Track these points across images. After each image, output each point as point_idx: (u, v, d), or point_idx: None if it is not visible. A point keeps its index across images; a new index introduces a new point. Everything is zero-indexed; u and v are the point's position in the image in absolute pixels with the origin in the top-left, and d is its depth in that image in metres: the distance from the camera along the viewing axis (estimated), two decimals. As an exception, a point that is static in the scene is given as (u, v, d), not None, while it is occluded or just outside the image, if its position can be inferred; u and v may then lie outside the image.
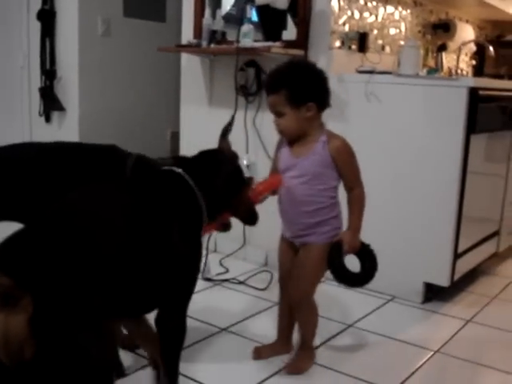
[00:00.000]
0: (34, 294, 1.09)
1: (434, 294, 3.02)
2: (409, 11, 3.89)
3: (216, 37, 3.27)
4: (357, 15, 3.31)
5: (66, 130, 4.29)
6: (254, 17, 3.29)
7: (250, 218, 2.10)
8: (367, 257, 2.24)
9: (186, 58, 3.62)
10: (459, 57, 4.44)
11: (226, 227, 2.09)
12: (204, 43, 3.28)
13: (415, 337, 2.60)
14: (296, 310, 2.28)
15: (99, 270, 1.31)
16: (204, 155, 1.96)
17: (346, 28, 3.24)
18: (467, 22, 4.72)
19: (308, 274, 2.22)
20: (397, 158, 2.96)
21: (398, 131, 2.94)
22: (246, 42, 3.05)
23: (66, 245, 1.26)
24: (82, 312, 1.15)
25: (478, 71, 4.95)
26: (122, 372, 2.01)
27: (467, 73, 4.86)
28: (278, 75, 2.13)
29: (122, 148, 2.31)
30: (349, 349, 2.46)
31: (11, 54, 4.58)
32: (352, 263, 2.20)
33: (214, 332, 2.55)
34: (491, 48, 4.10)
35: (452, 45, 4.33)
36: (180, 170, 1.84)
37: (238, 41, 3.07)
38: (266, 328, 2.61)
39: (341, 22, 3.19)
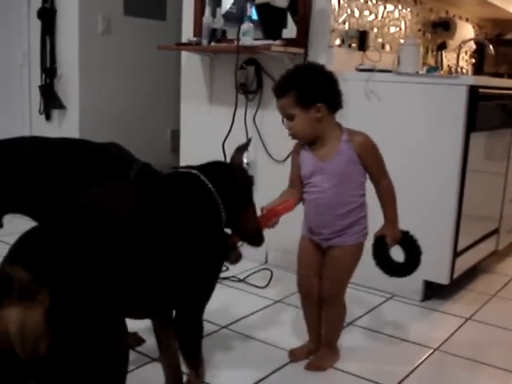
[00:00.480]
0: (51, 288, 1.09)
1: (433, 291, 3.03)
2: (409, 9, 3.89)
3: (216, 35, 3.27)
4: (357, 13, 3.32)
5: (67, 127, 4.30)
6: (254, 15, 3.30)
7: (255, 239, 2.10)
8: (410, 244, 2.27)
9: (186, 57, 3.62)
10: (459, 55, 4.44)
11: (233, 251, 2.05)
12: (204, 41, 3.28)
13: (415, 335, 2.61)
14: (326, 308, 2.28)
15: (117, 268, 1.32)
16: (216, 165, 1.95)
17: (346, 26, 3.24)
18: (467, 20, 4.72)
19: (342, 275, 2.23)
20: (396, 156, 2.96)
21: (398, 129, 2.94)
22: (246, 40, 3.05)
23: (83, 241, 1.27)
24: (97, 308, 1.16)
25: (477, 69, 4.96)
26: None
27: (467, 71, 4.87)
28: (285, 79, 2.13)
29: (123, 147, 2.32)
30: (348, 347, 2.47)
31: (11, 52, 4.58)
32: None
33: (214, 330, 2.55)
34: (491, 46, 4.10)
35: (452, 43, 4.33)
36: (197, 172, 1.84)
37: (238, 39, 3.07)
38: (266, 326, 2.62)
39: (341, 20, 3.19)
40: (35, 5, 4.33)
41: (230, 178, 1.93)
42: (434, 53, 4.34)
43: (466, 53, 4.81)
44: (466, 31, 4.48)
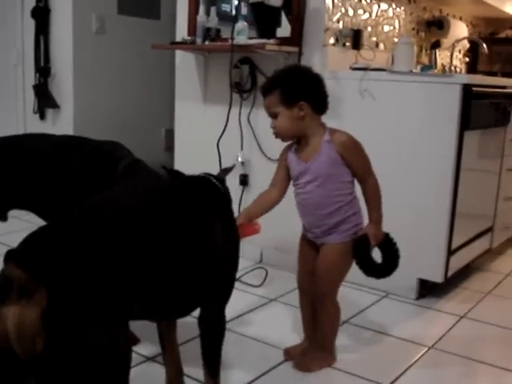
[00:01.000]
0: (49, 287, 1.10)
1: (427, 290, 3.04)
2: (403, 8, 3.90)
3: (210, 34, 3.27)
4: (351, 12, 3.32)
5: (61, 127, 4.29)
6: (248, 14, 3.29)
7: None
8: (389, 246, 2.27)
9: (180, 56, 3.62)
10: (453, 54, 4.45)
11: None
12: (198, 40, 3.28)
13: (409, 333, 2.62)
14: (319, 308, 2.29)
15: (129, 269, 1.32)
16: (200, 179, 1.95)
17: (340, 25, 3.24)
18: (461, 19, 4.73)
19: (331, 272, 2.24)
20: (390, 154, 2.97)
21: (392, 128, 2.95)
22: (241, 39, 3.06)
23: (87, 241, 1.27)
24: (95, 308, 1.15)
25: (471, 68, 4.97)
26: None
27: (461, 70, 4.88)
28: (271, 78, 2.18)
29: (122, 145, 2.35)
30: (343, 345, 2.47)
31: (5, 52, 4.57)
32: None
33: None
34: (484, 45, 4.11)
35: (446, 42, 4.34)
36: (205, 174, 1.88)
37: (232, 38, 3.07)
38: (262, 324, 2.62)
39: (335, 19, 3.19)
40: (29, 4, 4.33)
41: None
42: (428, 51, 4.35)
43: (460, 51, 4.82)
44: (460, 30, 4.49)
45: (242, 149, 3.37)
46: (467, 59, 4.98)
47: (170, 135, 4.45)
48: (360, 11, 3.41)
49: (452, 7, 4.55)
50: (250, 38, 3.11)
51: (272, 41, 3.04)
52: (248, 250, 3.54)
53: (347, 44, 3.28)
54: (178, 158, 3.74)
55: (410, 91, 2.88)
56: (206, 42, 3.27)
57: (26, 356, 1.11)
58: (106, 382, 1.19)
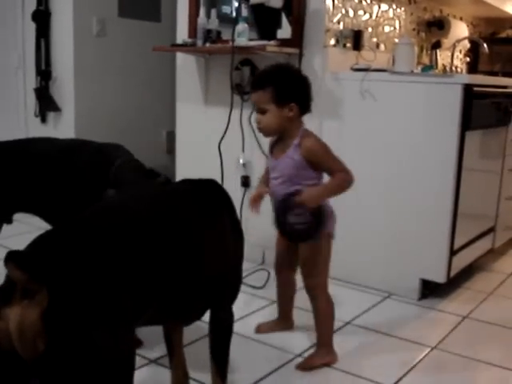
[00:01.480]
0: (50, 288, 1.10)
1: (430, 290, 3.04)
2: (403, 9, 3.90)
3: (211, 36, 3.27)
4: (351, 13, 3.32)
5: (62, 130, 4.29)
6: (249, 16, 3.29)
7: None
8: (316, 217, 2.20)
9: (181, 58, 3.62)
10: (453, 54, 4.45)
11: None
12: (199, 42, 3.28)
13: (412, 333, 2.61)
14: (314, 305, 2.35)
15: (133, 273, 1.32)
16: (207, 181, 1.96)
17: (341, 26, 3.24)
18: (461, 19, 4.73)
19: (316, 263, 2.31)
20: (392, 155, 2.97)
21: (393, 128, 2.95)
22: (241, 40, 3.06)
23: (92, 244, 1.28)
24: (97, 309, 1.15)
25: (472, 68, 4.97)
26: None
27: (461, 70, 4.88)
28: (265, 73, 2.22)
29: (123, 147, 2.37)
30: (346, 346, 2.47)
31: (6, 55, 4.58)
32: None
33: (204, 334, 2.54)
34: (485, 45, 4.11)
35: (446, 42, 4.34)
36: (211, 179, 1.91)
37: (233, 40, 3.07)
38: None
39: (335, 20, 3.19)
40: (30, 7, 4.33)
41: None
42: (429, 52, 4.35)
43: (461, 51, 4.82)
44: (460, 30, 4.48)
45: (243, 150, 3.37)
46: (468, 59, 4.98)
47: (171, 137, 4.45)
48: (360, 12, 3.41)
49: (452, 7, 4.55)
50: (251, 40, 3.11)
51: (272, 42, 3.04)
52: (250, 251, 3.53)
53: (348, 45, 3.28)
54: (179, 160, 3.74)
55: (411, 92, 2.88)
56: (207, 44, 3.27)
57: (28, 356, 1.11)
58: (109, 382, 1.19)
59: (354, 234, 3.13)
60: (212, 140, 3.41)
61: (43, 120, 4.47)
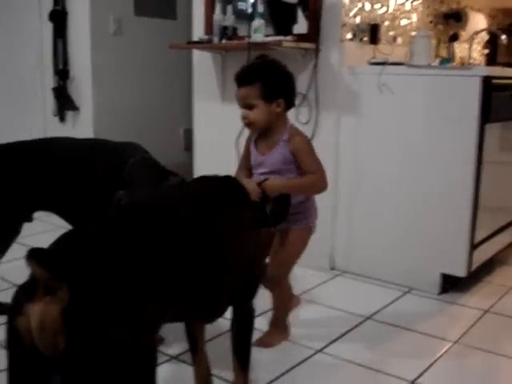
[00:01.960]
0: (71, 285, 1.11)
1: (451, 284, 3.02)
2: (420, 1, 3.87)
3: (227, 32, 3.27)
4: (368, 7, 3.30)
5: (81, 129, 4.32)
6: (265, 11, 3.29)
7: None
8: (278, 205, 2.18)
9: (197, 55, 3.63)
10: (471, 46, 4.40)
11: None
12: (215, 39, 3.28)
13: (433, 328, 2.60)
14: (275, 290, 2.41)
15: (156, 269, 1.33)
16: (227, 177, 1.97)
17: (357, 20, 3.23)
18: (479, 10, 4.68)
19: (290, 256, 2.36)
20: (411, 148, 2.95)
21: (412, 122, 2.93)
22: (258, 36, 3.05)
23: (114, 242, 1.29)
24: (117, 307, 1.16)
25: (490, 60, 4.91)
26: None
27: (480, 62, 4.83)
28: (253, 69, 2.22)
29: (140, 146, 2.38)
30: (367, 341, 2.47)
31: (24, 55, 4.61)
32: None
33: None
34: (503, 36, 4.06)
35: (464, 34, 4.30)
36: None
37: (249, 36, 3.07)
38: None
39: (352, 14, 3.18)
40: (46, 7, 4.35)
41: None
42: (446, 44, 4.31)
43: (479, 43, 4.77)
44: (478, 22, 4.44)
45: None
46: (486, 51, 4.93)
47: (188, 135, 4.46)
48: (377, 5, 3.39)
49: (469, -1, 4.51)
50: (267, 36, 3.10)
51: (289, 38, 3.03)
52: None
53: (365, 39, 3.26)
54: (196, 157, 3.74)
55: (430, 85, 2.86)
56: (223, 41, 3.27)
57: (49, 353, 1.12)
58: (131, 381, 1.19)
59: (374, 228, 3.12)
60: (229, 136, 3.41)
61: (62, 119, 4.49)
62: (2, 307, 2.65)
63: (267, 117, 2.18)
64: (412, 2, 3.77)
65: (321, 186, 2.24)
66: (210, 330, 2.12)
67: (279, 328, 2.47)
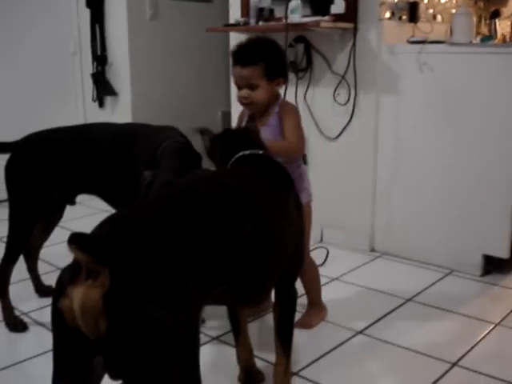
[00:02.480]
0: (112, 269, 1.12)
1: (493, 266, 2.97)
2: (460, -22, 3.79)
3: (264, 14, 3.25)
4: (406, -16, 3.24)
5: (119, 114, 4.36)
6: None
7: None
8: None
9: (234, 38, 3.61)
10: (514, 23, 4.30)
11: None
12: (252, 21, 3.27)
13: (475, 310, 2.57)
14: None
15: (201, 251, 1.34)
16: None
17: (396, -2, 3.17)
18: (521, -14, 4.56)
19: None
20: (453, 128, 2.91)
21: (453, 101, 2.88)
22: (294, 17, 3.03)
23: (155, 224, 1.29)
24: (159, 289, 1.17)
25: (533, 37, 4.79)
26: None
27: (522, 39, 4.71)
28: (254, 48, 2.20)
29: (177, 129, 2.40)
30: (408, 323, 2.45)
31: (63, 42, 4.65)
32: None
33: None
34: (547, 12, 3.96)
35: (505, 11, 4.20)
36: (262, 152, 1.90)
37: (286, 17, 3.04)
38: (325, 302, 2.61)
39: (390, -8, 3.13)
40: (84, -6, 4.39)
41: None
42: (487, 21, 4.22)
43: (521, 20, 4.66)
44: (520, -3, 4.33)
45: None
46: (529, 28, 4.80)
47: (226, 117, 4.46)
48: (416, -17, 3.33)
49: (512, -26, 4.40)
50: (304, 16, 3.08)
51: (326, 18, 3.00)
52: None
53: (403, 17, 3.20)
54: (235, 140, 3.74)
55: (471, 63, 2.81)
56: (260, 23, 3.26)
57: (91, 335, 1.14)
58: (174, 363, 1.19)
59: (415, 210, 3.09)
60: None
61: (101, 105, 4.54)
62: (47, 289, 2.71)
63: (269, 96, 2.19)
64: (452, -21, 3.69)
65: (296, 149, 2.24)
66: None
67: (316, 308, 2.49)
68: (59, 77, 4.69)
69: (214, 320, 2.38)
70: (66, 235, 1.12)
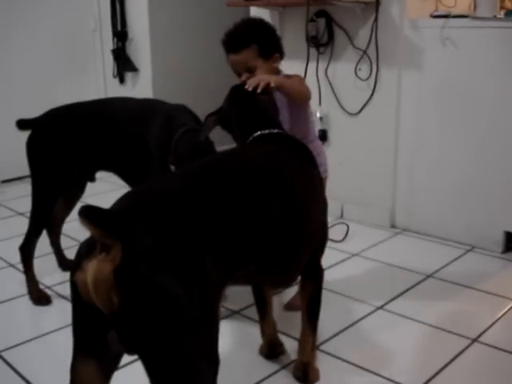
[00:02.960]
0: (124, 243, 1.12)
1: (515, 243, 2.96)
2: (485, -50, 3.71)
3: (285, -12, 3.23)
4: (430, -43, 3.20)
5: (140, 90, 4.37)
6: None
7: None
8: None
9: (255, 12, 3.59)
10: (539, -4, 4.23)
11: None
12: (273, -5, 3.25)
13: (496, 287, 2.56)
14: None
15: (223, 228, 1.33)
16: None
17: (419, -29, 3.13)
18: (548, -42, 4.47)
19: None
20: (475, 104, 2.88)
21: (476, 76, 2.85)
22: (316, -9, 3.00)
23: (172, 200, 1.28)
24: (173, 264, 1.16)
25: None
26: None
27: (548, 13, 4.63)
28: (243, 32, 2.19)
29: (187, 108, 2.37)
30: (428, 299, 2.45)
31: (83, 18, 4.66)
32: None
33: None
34: None
35: (531, -16, 4.12)
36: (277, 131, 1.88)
37: (307, -9, 3.01)
38: (345, 279, 2.62)
39: (413, -35, 3.08)
40: (104, -31, 4.38)
41: None
42: (513, -5, 4.15)
43: (547, -7, 4.57)
44: (547, -30, 4.25)
45: (320, 104, 3.34)
46: (555, 1, 4.72)
47: (246, 94, 4.45)
48: (439, -44, 3.28)
49: None
50: (326, -10, 3.05)
51: (348, -9, 2.97)
52: (329, 205, 3.53)
53: (426, -9, 3.16)
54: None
55: (495, 37, 2.76)
56: (281, -3, 3.23)
57: (105, 309, 1.14)
58: (189, 338, 1.18)
59: (436, 186, 3.07)
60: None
61: (121, 81, 4.55)
62: (70, 263, 2.75)
63: (269, 74, 2.15)
64: (477, -49, 3.62)
65: (305, 93, 2.17)
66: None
67: None
68: (80, 53, 4.70)
69: (235, 294, 2.40)
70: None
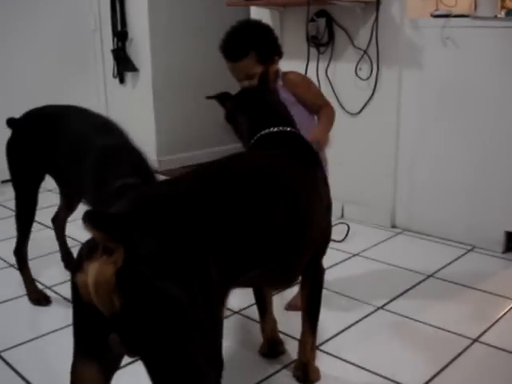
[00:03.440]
0: (126, 246, 1.11)
1: (515, 243, 2.96)
2: (485, -50, 3.71)
3: (285, -12, 3.23)
4: (430, -43, 3.19)
5: (140, 90, 4.37)
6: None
7: None
8: None
9: (255, 12, 3.59)
10: (540, -4, 4.22)
11: None
12: (273, -5, 3.24)
13: (497, 287, 2.56)
14: None
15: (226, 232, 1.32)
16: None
17: (419, -29, 3.13)
18: (548, -42, 4.47)
19: None
20: (476, 104, 2.87)
21: (477, 76, 2.84)
22: (316, -9, 3.00)
23: (174, 203, 1.28)
24: (174, 268, 1.15)
25: (560, 11, 4.70)
26: None
27: (549, 13, 4.63)
28: (241, 40, 2.17)
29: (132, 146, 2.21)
30: (429, 299, 2.45)
31: (83, 18, 4.66)
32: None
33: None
34: None
35: (532, -16, 4.12)
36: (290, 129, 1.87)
37: (307, -9, 3.01)
38: (345, 279, 2.62)
39: (413, -36, 3.08)
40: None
41: None
42: (513, -5, 4.15)
43: (548, -7, 4.57)
44: (548, -30, 4.24)
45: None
46: (555, 1, 4.71)
47: (246, 93, 4.45)
48: (440, -45, 3.27)
49: None
50: (326, -10, 3.04)
51: (348, -9, 2.97)
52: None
53: (427, -9, 3.16)
54: (255, 115, 3.73)
55: (496, 37, 2.76)
56: (281, -4, 3.23)
57: (106, 312, 1.13)
58: (191, 341, 1.17)
59: (436, 186, 3.07)
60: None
61: (121, 81, 4.55)
62: (69, 258, 2.74)
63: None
64: (477, -49, 3.62)
65: (334, 114, 2.24)
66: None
67: None
68: (80, 53, 4.71)
69: (235, 293, 2.39)
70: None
